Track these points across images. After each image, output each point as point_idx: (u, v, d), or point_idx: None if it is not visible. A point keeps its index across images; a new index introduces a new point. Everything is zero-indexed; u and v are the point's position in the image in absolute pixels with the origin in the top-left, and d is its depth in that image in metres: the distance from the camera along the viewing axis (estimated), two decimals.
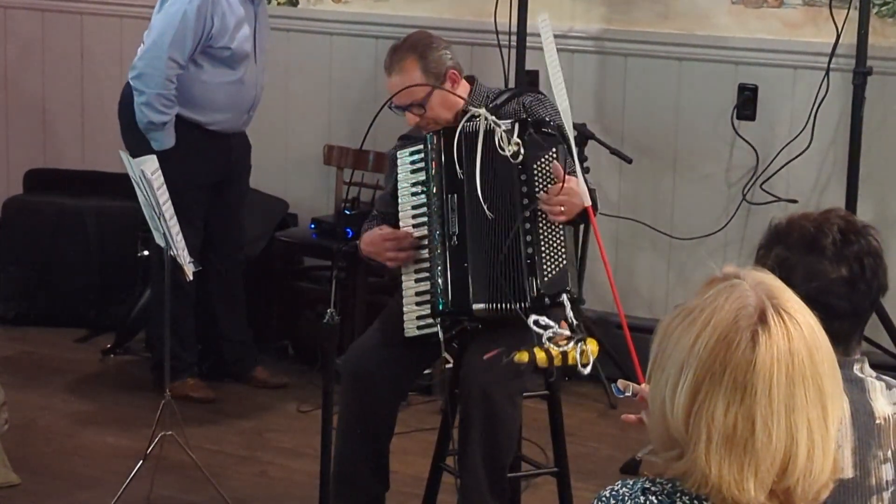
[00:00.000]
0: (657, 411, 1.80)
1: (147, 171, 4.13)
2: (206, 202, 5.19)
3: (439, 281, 3.77)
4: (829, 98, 5.13)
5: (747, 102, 5.35)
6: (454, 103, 3.93)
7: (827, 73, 5.10)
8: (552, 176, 3.67)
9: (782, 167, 5.28)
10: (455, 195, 3.77)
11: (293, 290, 5.79)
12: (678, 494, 1.80)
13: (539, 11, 4.09)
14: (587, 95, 5.46)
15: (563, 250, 3.70)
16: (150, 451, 4.28)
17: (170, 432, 4.27)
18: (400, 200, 3.90)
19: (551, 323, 3.10)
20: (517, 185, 3.70)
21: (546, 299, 3.64)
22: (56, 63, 6.61)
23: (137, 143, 4.96)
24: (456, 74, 3.98)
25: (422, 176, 3.86)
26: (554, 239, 3.70)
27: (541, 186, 3.69)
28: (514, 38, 5.29)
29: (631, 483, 1.83)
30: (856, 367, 2.39)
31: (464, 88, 4.00)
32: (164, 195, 4.20)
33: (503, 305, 3.70)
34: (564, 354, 3.12)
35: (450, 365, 4.16)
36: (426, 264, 3.84)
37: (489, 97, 4.00)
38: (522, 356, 3.11)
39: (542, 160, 3.69)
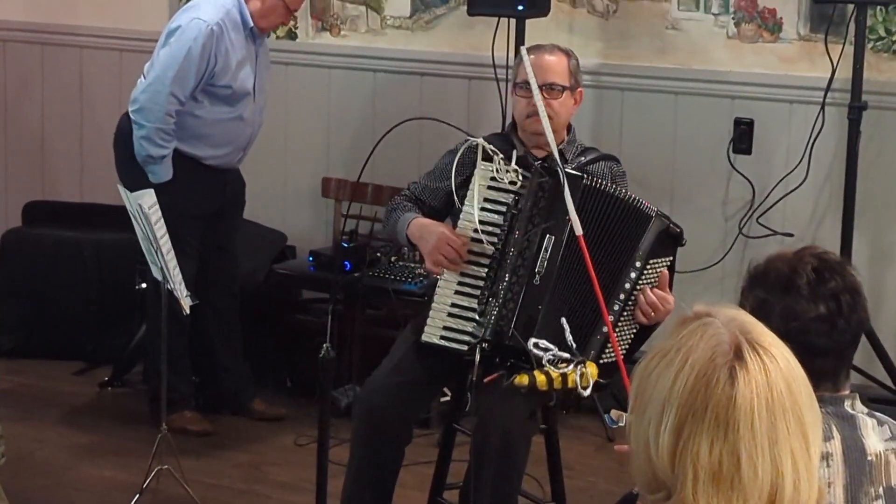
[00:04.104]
0: (641, 454, 1.80)
1: (144, 206, 4.14)
2: (200, 234, 5.20)
3: (502, 311, 3.73)
4: (825, 132, 5.16)
5: (743, 136, 5.37)
6: (566, 119, 4.06)
7: (822, 108, 5.13)
8: (658, 278, 3.77)
9: (778, 201, 5.30)
10: (553, 237, 3.75)
11: (291, 323, 5.79)
12: None
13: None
14: (584, 129, 5.46)
15: (625, 346, 3.77)
16: (146, 484, 4.27)
17: (166, 466, 4.27)
18: (465, 208, 3.82)
19: (551, 346, 3.11)
20: (628, 269, 3.74)
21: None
22: (55, 96, 6.64)
23: (132, 174, 4.98)
24: (581, 97, 4.11)
25: (504, 197, 3.80)
26: (628, 332, 3.78)
27: (647, 280, 3.76)
28: (511, 71, 5.31)
29: None
30: (847, 404, 2.40)
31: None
32: (161, 229, 4.21)
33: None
34: (564, 377, 3.13)
35: (446, 398, 4.17)
36: (478, 282, 3.81)
37: (580, 147, 4.10)
38: (523, 379, 3.12)
39: (660, 262, 3.79)
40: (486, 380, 3.48)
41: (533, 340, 3.12)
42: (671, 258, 3.83)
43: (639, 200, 3.81)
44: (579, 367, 3.15)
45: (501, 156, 3.75)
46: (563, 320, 3.52)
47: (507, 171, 3.75)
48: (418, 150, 5.69)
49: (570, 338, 3.41)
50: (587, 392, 3.13)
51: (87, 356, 5.92)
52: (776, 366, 1.77)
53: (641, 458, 1.80)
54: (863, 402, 2.44)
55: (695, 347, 1.78)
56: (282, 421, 5.38)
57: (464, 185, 3.86)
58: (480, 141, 3.76)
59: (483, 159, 3.79)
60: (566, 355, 3.18)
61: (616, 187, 3.86)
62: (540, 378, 3.14)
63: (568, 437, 4.89)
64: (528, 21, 5.30)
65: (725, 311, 1.84)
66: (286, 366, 5.77)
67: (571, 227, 3.69)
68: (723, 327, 1.80)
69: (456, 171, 3.89)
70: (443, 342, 3.81)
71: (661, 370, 1.79)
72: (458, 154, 3.89)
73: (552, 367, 3.16)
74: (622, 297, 3.75)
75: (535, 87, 3.85)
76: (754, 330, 1.81)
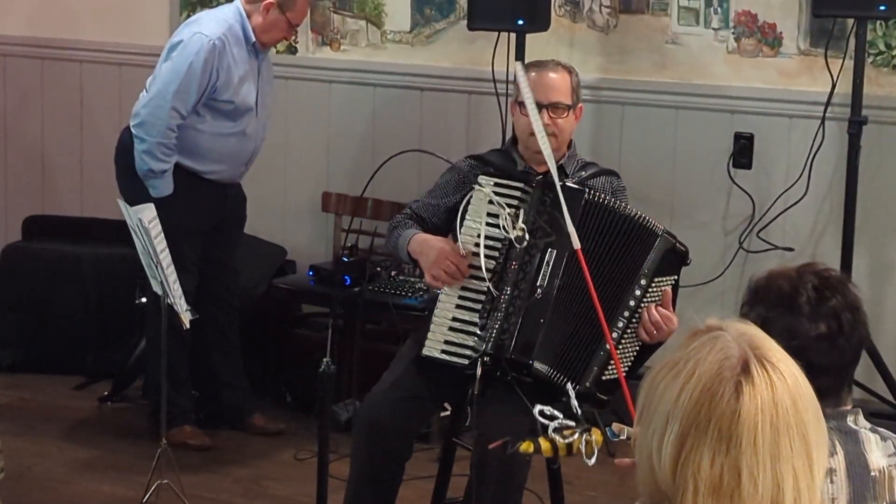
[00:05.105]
0: (645, 464, 1.81)
1: (144, 220, 4.14)
2: (200, 248, 5.19)
3: (503, 325, 3.72)
4: (825, 147, 5.16)
5: (743, 151, 5.37)
6: (569, 136, 4.08)
7: (822, 122, 5.13)
8: (661, 296, 3.77)
9: (779, 215, 5.30)
10: (555, 252, 3.74)
11: (291, 337, 5.79)
12: None
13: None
14: (584, 144, 5.47)
15: (628, 363, 3.77)
16: (146, 499, 4.27)
17: (165, 480, 4.27)
18: (467, 222, 3.80)
19: (557, 413, 3.11)
20: (633, 286, 3.74)
21: (596, 394, 3.71)
22: (55, 110, 6.64)
23: (132, 189, 4.98)
24: (581, 113, 4.12)
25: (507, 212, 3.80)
26: (630, 350, 3.77)
27: (651, 299, 3.76)
28: (511, 86, 5.32)
29: None
30: (849, 419, 2.40)
31: None
32: (161, 243, 4.21)
33: (561, 376, 3.72)
34: (569, 446, 3.13)
35: (446, 413, 4.16)
36: (479, 296, 3.79)
37: (580, 162, 4.12)
38: (528, 446, 3.13)
39: (665, 280, 3.79)
40: (490, 446, 3.50)
41: (539, 408, 3.13)
42: (676, 277, 3.83)
43: (645, 218, 3.81)
44: (584, 434, 3.16)
45: (508, 211, 3.73)
46: (569, 386, 3.52)
47: (514, 229, 3.74)
48: (419, 165, 5.68)
49: (575, 404, 3.41)
50: (592, 461, 3.14)
51: (86, 371, 5.91)
52: (783, 382, 1.77)
53: (645, 469, 1.80)
54: (863, 417, 2.44)
55: (703, 360, 1.78)
56: (281, 435, 5.37)
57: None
58: (488, 192, 3.75)
59: (493, 185, 3.78)
60: (572, 423, 3.19)
61: (620, 203, 3.85)
62: (545, 445, 3.15)
63: None
64: (528, 36, 5.31)
65: (736, 326, 1.84)
66: (286, 380, 5.76)
67: (575, 244, 3.68)
68: (732, 341, 1.80)
69: (457, 189, 3.89)
70: (444, 356, 3.80)
71: (669, 381, 1.79)
72: (466, 200, 3.86)
73: (558, 437, 3.16)
74: (626, 314, 3.74)
75: (531, 108, 3.82)
76: (764, 345, 1.81)
